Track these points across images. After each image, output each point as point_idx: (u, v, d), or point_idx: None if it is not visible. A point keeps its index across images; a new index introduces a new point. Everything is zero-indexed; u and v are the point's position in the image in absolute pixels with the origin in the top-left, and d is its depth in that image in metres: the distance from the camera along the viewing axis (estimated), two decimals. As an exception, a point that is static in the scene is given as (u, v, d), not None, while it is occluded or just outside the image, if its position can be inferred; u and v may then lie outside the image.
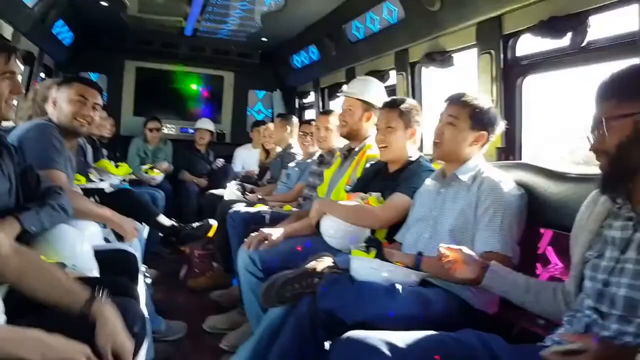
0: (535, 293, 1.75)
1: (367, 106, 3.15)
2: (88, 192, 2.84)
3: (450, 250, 1.75)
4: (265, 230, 2.81)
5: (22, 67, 1.85)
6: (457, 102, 2.21)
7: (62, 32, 5.10)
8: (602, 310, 1.42)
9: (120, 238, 2.63)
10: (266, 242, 2.74)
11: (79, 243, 1.96)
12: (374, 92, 3.18)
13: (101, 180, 3.70)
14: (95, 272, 1.98)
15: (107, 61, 6.44)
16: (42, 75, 4.98)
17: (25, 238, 1.73)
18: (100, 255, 2.10)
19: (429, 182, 2.40)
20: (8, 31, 3.79)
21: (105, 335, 1.37)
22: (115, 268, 2.13)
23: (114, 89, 6.58)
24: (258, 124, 6.17)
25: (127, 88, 6.66)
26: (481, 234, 2.05)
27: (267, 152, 5.71)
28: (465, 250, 1.77)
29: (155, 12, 5.15)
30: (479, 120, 2.17)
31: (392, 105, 2.72)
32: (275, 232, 2.79)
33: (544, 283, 1.82)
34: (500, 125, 2.24)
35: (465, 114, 2.17)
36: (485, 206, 2.06)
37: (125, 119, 6.59)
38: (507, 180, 2.12)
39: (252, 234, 2.82)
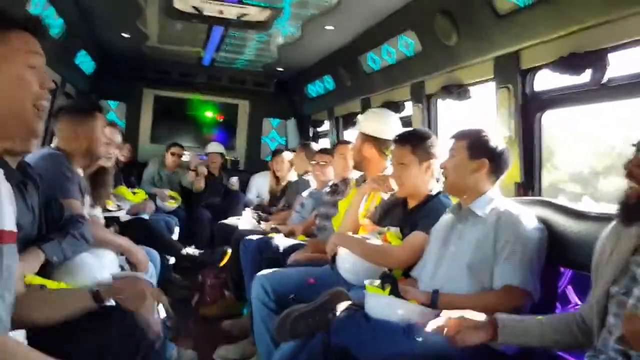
0: (552, 333, 1.70)
1: (364, 137, 3.17)
2: (107, 221, 2.87)
3: (452, 321, 1.68)
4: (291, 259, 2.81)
5: None
6: (456, 137, 2.28)
7: (84, 61, 5.23)
8: (629, 354, 1.38)
9: (134, 267, 2.64)
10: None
11: (98, 272, 1.98)
12: (369, 122, 3.21)
13: (119, 206, 3.73)
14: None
15: (126, 89, 6.57)
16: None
17: (46, 267, 1.75)
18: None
19: (445, 216, 2.38)
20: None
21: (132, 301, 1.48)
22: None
23: (132, 117, 6.69)
24: (278, 152, 6.17)
25: (145, 115, 6.77)
26: (500, 267, 2.02)
27: (277, 179, 5.73)
28: (468, 315, 1.70)
29: (174, 43, 5.27)
30: (476, 148, 2.20)
31: (403, 141, 2.68)
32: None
33: (557, 320, 1.76)
34: (502, 156, 2.23)
35: (463, 145, 2.22)
36: (505, 240, 2.03)
37: (142, 146, 6.67)
38: (527, 214, 2.10)
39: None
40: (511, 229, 2.04)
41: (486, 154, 2.20)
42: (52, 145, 2.69)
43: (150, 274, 2.73)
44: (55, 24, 3.83)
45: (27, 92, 1.22)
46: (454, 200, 2.56)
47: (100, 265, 2.06)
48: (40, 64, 1.30)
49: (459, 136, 2.27)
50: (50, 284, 1.71)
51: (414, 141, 2.66)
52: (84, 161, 2.65)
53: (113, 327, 1.51)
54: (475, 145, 2.21)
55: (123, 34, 4.92)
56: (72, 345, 1.41)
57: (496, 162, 2.21)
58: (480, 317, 1.70)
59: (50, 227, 1.88)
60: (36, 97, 1.24)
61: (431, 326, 1.69)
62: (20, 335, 1.40)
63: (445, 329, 1.67)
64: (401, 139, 2.70)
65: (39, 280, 1.66)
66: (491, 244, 2.06)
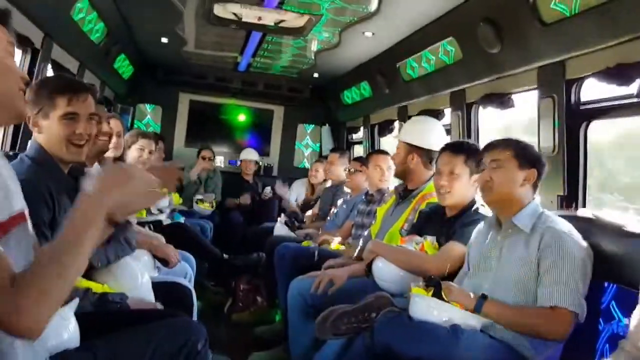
0: None
1: (411, 148, 3.09)
2: (144, 223, 2.90)
3: None
4: (329, 271, 2.79)
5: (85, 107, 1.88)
6: (497, 146, 2.19)
7: (123, 66, 5.32)
8: None
9: (165, 263, 2.66)
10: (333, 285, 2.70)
11: (140, 276, 2.00)
12: (420, 133, 3.13)
13: (159, 211, 3.77)
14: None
15: (162, 93, 6.64)
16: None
17: (90, 270, 1.77)
18: (157, 286, 2.13)
19: (482, 228, 2.34)
20: (74, 65, 3.97)
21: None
22: (170, 300, 2.16)
23: (168, 120, 6.77)
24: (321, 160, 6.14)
25: (180, 119, 6.83)
26: (546, 288, 1.96)
27: (312, 186, 5.71)
28: None
29: (211, 48, 5.31)
30: (525, 157, 2.14)
31: (458, 150, 2.64)
32: (338, 274, 2.75)
33: None
34: (545, 165, 2.18)
35: (509, 155, 2.14)
36: (550, 260, 1.97)
37: (177, 149, 6.74)
38: (571, 230, 2.04)
39: (316, 273, 2.82)
40: (556, 248, 1.98)
41: (535, 163, 2.14)
42: None
43: (189, 277, 2.75)
44: (97, 28, 3.91)
45: (13, 78, 1.21)
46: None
47: (142, 269, 2.08)
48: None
49: (502, 145, 2.18)
50: (95, 286, 1.73)
51: (468, 152, 2.61)
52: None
53: (160, 328, 1.53)
54: (522, 154, 2.14)
55: (162, 39, 4.98)
56: (120, 342, 1.43)
57: (542, 171, 2.16)
58: None
59: None
60: (20, 82, 1.23)
61: None
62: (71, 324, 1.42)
63: None
64: (454, 148, 2.66)
65: (85, 284, 1.68)
66: (535, 262, 2.01)
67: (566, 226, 2.05)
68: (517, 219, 2.11)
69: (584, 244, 2.02)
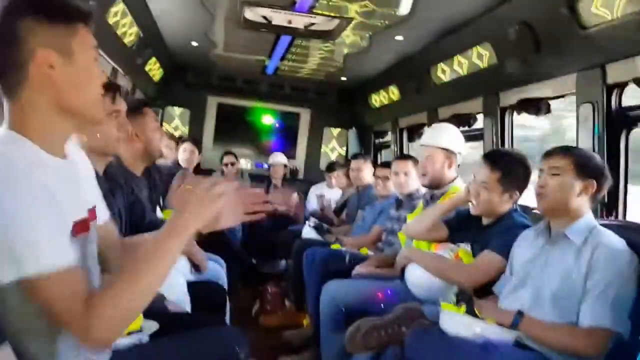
0: None
1: (448, 153, 3.05)
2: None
3: None
4: None
5: (124, 104, 1.93)
6: (557, 153, 2.10)
7: (154, 69, 5.36)
8: None
9: (196, 268, 2.66)
10: None
11: (174, 277, 2.00)
12: (452, 137, 3.10)
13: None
14: (187, 306, 2.02)
15: (190, 96, 6.67)
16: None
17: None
18: (191, 285, 2.14)
19: (529, 233, 2.25)
20: (108, 68, 4.01)
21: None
22: (204, 300, 2.16)
23: (196, 123, 6.81)
24: (331, 168, 6.03)
25: (208, 122, 6.86)
26: (591, 305, 1.86)
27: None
28: None
29: (240, 52, 5.32)
30: (584, 167, 2.04)
31: (493, 165, 2.49)
32: None
33: None
34: (608, 178, 2.09)
35: (568, 163, 2.04)
36: (600, 276, 1.87)
37: (205, 153, 6.75)
38: (624, 245, 1.94)
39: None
40: (608, 264, 1.88)
41: (595, 174, 2.05)
42: None
43: (222, 281, 2.75)
44: (130, 32, 3.94)
45: (97, 83, 1.24)
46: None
47: (176, 271, 2.08)
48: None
49: (562, 153, 2.09)
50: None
51: (506, 169, 2.48)
52: (143, 163, 2.52)
53: (206, 336, 1.54)
54: (583, 163, 2.05)
55: (192, 43, 5.02)
56: (166, 347, 1.43)
57: (602, 184, 2.07)
58: None
59: (133, 228, 1.91)
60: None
61: None
62: None
63: None
64: (492, 162, 2.51)
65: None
66: (582, 277, 1.91)
67: (620, 242, 1.95)
68: (570, 231, 2.02)
69: (634, 260, 1.92)
